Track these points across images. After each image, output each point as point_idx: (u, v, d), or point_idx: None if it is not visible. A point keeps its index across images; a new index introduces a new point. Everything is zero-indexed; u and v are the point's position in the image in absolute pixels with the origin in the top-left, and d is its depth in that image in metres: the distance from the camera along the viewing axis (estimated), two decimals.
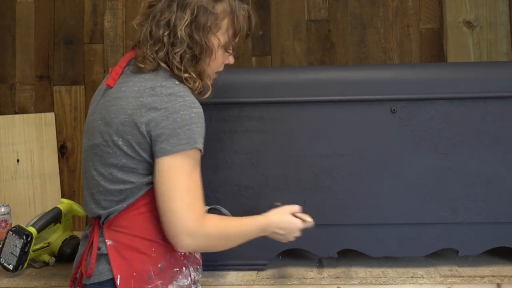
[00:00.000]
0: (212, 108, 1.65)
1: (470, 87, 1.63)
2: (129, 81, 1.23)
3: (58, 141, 2.33)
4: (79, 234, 1.88)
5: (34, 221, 1.70)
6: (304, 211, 1.65)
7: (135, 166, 1.20)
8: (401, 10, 2.30)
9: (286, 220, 1.34)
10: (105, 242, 1.21)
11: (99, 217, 1.25)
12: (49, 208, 1.77)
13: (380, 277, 1.59)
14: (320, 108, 1.64)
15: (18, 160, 2.24)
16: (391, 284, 1.59)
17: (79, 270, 1.27)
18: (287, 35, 2.32)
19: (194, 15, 1.21)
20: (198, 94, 1.26)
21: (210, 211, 1.43)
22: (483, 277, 1.58)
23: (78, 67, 2.34)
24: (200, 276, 1.32)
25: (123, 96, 1.20)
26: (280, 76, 1.68)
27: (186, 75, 1.23)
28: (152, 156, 1.19)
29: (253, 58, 2.33)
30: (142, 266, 1.19)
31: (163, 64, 1.22)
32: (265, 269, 1.67)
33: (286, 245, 1.67)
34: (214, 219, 1.25)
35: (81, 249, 1.30)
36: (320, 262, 1.74)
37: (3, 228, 1.93)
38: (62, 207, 1.77)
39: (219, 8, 1.25)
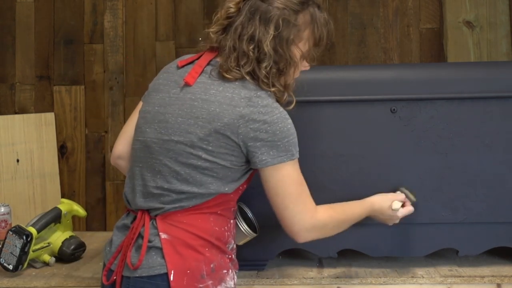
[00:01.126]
0: None
1: (470, 87, 1.63)
2: (216, 84, 1.22)
3: (58, 141, 2.33)
4: (79, 234, 1.89)
5: (34, 221, 1.70)
6: None
7: (217, 171, 1.21)
8: (401, 10, 2.30)
9: (385, 208, 1.44)
10: (158, 235, 1.19)
11: (151, 209, 1.23)
12: (49, 208, 1.78)
13: (380, 277, 1.59)
14: (320, 108, 1.64)
15: (18, 160, 2.24)
16: (391, 284, 1.59)
17: (117, 261, 1.24)
18: None
19: (279, 30, 1.22)
20: (285, 106, 1.28)
21: (238, 208, 1.44)
22: (483, 277, 1.58)
23: (78, 67, 2.34)
24: (237, 279, 1.33)
25: (214, 101, 1.20)
26: None
27: (274, 89, 1.24)
28: (240, 165, 1.24)
29: None
30: (197, 265, 1.19)
31: (247, 77, 1.23)
32: (265, 269, 1.67)
33: (286, 245, 1.67)
34: (326, 210, 1.31)
35: (117, 239, 1.27)
36: (320, 262, 1.74)
37: (3, 228, 1.93)
38: (62, 207, 1.77)
39: (301, 19, 1.25)
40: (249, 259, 1.66)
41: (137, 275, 1.18)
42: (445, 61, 2.26)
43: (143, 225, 1.22)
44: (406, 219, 1.64)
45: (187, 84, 1.24)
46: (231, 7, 1.26)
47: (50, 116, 2.32)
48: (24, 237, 1.62)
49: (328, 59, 2.30)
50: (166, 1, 2.34)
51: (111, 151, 2.20)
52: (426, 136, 1.63)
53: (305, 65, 1.35)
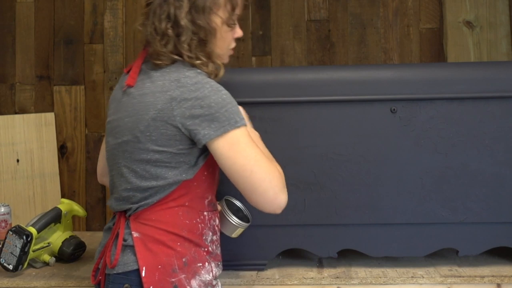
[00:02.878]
0: None
1: (470, 87, 1.63)
2: (151, 76, 1.24)
3: (58, 141, 2.33)
4: (79, 234, 1.89)
5: (34, 221, 1.70)
6: (304, 211, 1.66)
7: (169, 160, 1.22)
8: (401, 10, 2.30)
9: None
10: (131, 234, 1.23)
11: (125, 210, 1.27)
12: (49, 208, 1.77)
13: (380, 277, 1.59)
14: (320, 108, 1.64)
15: (18, 160, 2.24)
16: (391, 284, 1.59)
17: (101, 261, 1.30)
18: (287, 35, 2.32)
19: (192, 0, 1.23)
20: (214, 78, 1.28)
21: (225, 201, 1.45)
22: (483, 277, 1.58)
23: (78, 67, 2.35)
24: (220, 272, 1.33)
25: (149, 92, 1.22)
26: (280, 76, 1.68)
27: (198, 61, 1.25)
28: (188, 148, 1.22)
29: (253, 58, 2.33)
30: (167, 260, 1.21)
31: (175, 56, 1.24)
32: (265, 269, 1.67)
33: (286, 245, 1.68)
34: (273, 161, 1.27)
35: (103, 240, 1.33)
36: (320, 262, 1.74)
37: (3, 228, 1.93)
38: (62, 207, 1.77)
39: None
40: (249, 259, 1.67)
41: (115, 272, 1.23)
42: (445, 61, 2.26)
43: (120, 226, 1.27)
44: (406, 219, 1.64)
45: (129, 86, 1.27)
46: None
47: (50, 116, 2.32)
48: (24, 237, 1.62)
49: (328, 59, 2.31)
50: None
51: None
52: (426, 136, 1.63)
53: (237, 32, 1.35)
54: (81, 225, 2.33)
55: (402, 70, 1.71)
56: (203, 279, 1.25)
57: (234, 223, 1.43)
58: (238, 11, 1.31)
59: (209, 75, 1.26)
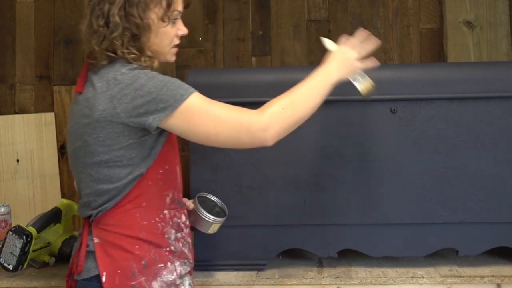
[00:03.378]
0: None
1: (470, 87, 1.63)
2: (92, 80, 1.24)
3: (58, 141, 2.33)
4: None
5: (34, 221, 1.70)
6: (304, 211, 1.66)
7: (119, 158, 1.21)
8: (401, 10, 2.30)
9: (332, 55, 1.36)
10: (92, 240, 1.24)
11: (89, 216, 1.28)
12: (49, 208, 1.77)
13: (380, 277, 1.59)
14: (320, 108, 1.64)
15: (18, 160, 2.24)
16: (391, 284, 1.59)
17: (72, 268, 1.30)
18: (287, 35, 2.32)
19: None
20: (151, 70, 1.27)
21: (198, 198, 1.46)
22: (483, 277, 1.58)
23: (78, 67, 2.34)
24: (189, 269, 1.31)
25: (91, 96, 1.22)
26: (280, 76, 1.68)
27: (132, 55, 1.24)
28: (140, 140, 1.21)
29: (253, 58, 2.33)
30: (126, 264, 1.21)
31: (109, 53, 1.24)
32: (265, 269, 1.67)
33: (286, 245, 1.68)
34: (267, 104, 1.25)
35: (75, 247, 1.33)
36: (320, 262, 1.74)
37: (3, 228, 1.93)
38: (62, 207, 1.77)
39: None
40: (249, 259, 1.67)
41: (80, 278, 1.24)
42: (445, 61, 2.26)
43: (84, 232, 1.28)
44: (406, 219, 1.64)
45: (78, 93, 1.28)
46: None
47: (50, 116, 2.32)
48: (24, 237, 1.62)
49: None
50: None
51: None
52: (426, 136, 1.63)
53: (180, 29, 1.33)
54: (81, 225, 2.33)
55: (402, 70, 1.71)
56: (165, 279, 1.25)
57: (207, 219, 1.43)
58: (178, 7, 1.30)
59: (144, 68, 1.25)
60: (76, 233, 1.86)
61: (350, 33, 1.48)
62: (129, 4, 1.23)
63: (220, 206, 1.51)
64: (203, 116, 1.19)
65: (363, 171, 1.64)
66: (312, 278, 1.60)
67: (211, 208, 1.46)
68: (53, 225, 1.74)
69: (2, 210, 1.95)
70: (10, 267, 1.62)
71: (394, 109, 1.64)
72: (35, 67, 2.35)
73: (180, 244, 1.30)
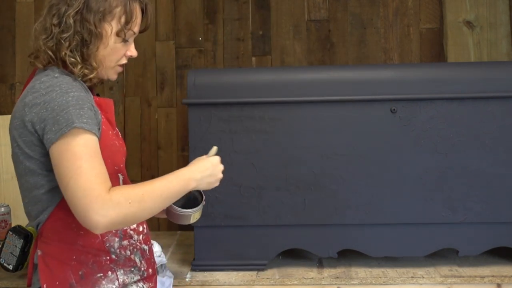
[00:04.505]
0: (212, 108, 1.65)
1: (470, 87, 1.63)
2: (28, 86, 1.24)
3: None
4: None
5: None
6: (304, 211, 1.66)
7: (38, 166, 1.19)
8: (401, 10, 2.30)
9: (204, 163, 1.27)
10: (37, 253, 1.24)
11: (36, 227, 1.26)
12: None
13: (380, 277, 1.59)
14: (320, 108, 1.64)
15: None
16: (391, 284, 1.59)
17: None
18: (287, 35, 2.32)
19: (85, 2, 1.22)
20: (89, 82, 1.25)
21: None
22: (483, 277, 1.58)
23: None
24: (138, 278, 1.27)
25: (16, 103, 1.22)
26: (280, 76, 1.68)
27: (72, 59, 1.21)
28: (47, 153, 1.17)
29: (253, 58, 2.33)
30: (63, 275, 1.20)
31: (51, 53, 1.22)
32: (265, 269, 1.67)
33: (286, 245, 1.68)
34: (121, 188, 1.15)
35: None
36: (320, 262, 1.74)
37: (3, 228, 1.92)
38: None
39: None
40: (249, 259, 1.67)
41: None
42: (445, 61, 2.26)
43: (34, 245, 1.27)
44: (406, 219, 1.64)
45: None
46: None
47: None
48: (24, 237, 1.61)
49: (328, 59, 2.31)
50: (166, 1, 2.34)
51: None
52: (426, 136, 1.63)
53: (131, 51, 1.31)
54: None
55: (402, 70, 1.71)
56: None
57: (181, 213, 1.31)
58: (134, 28, 1.28)
59: (77, 77, 1.22)
60: None
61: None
62: (87, 10, 1.22)
63: (194, 193, 1.37)
64: (72, 159, 1.11)
65: (363, 171, 1.64)
66: (312, 278, 1.60)
67: (186, 198, 1.32)
68: None
69: (2, 210, 1.95)
70: (10, 267, 1.61)
71: (394, 109, 1.64)
72: None
73: (128, 252, 1.26)
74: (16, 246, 1.61)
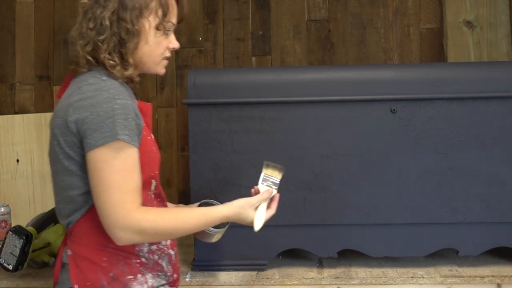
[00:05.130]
0: (212, 108, 1.65)
1: (470, 87, 1.63)
2: (68, 88, 1.24)
3: None
4: None
5: (34, 221, 1.70)
6: (304, 211, 1.66)
7: (77, 168, 1.19)
8: (401, 10, 2.30)
9: (244, 218, 1.33)
10: (66, 252, 1.23)
11: (66, 226, 1.27)
12: (49, 208, 1.77)
13: (380, 277, 1.59)
14: (320, 108, 1.64)
15: (18, 160, 2.24)
16: (391, 284, 1.59)
17: None
18: (287, 35, 2.32)
19: (121, 1, 1.22)
20: (131, 83, 1.26)
21: (201, 205, 1.42)
22: (483, 277, 1.58)
23: None
24: (164, 282, 1.28)
25: (59, 102, 1.22)
26: (280, 76, 1.68)
27: (112, 62, 1.21)
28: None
29: (253, 58, 2.33)
30: (94, 276, 1.20)
31: (90, 58, 1.21)
32: (265, 269, 1.67)
33: (286, 245, 1.68)
34: (151, 213, 1.19)
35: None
36: (320, 262, 1.74)
37: (3, 228, 1.92)
38: None
39: None
40: (249, 259, 1.67)
41: None
42: (445, 61, 2.26)
43: (62, 243, 1.27)
44: (406, 219, 1.64)
45: (59, 99, 1.27)
46: (83, 1, 1.26)
47: (50, 116, 2.30)
48: (24, 237, 1.61)
49: (328, 59, 2.31)
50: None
51: None
52: (426, 136, 1.63)
53: (172, 43, 1.31)
54: None
55: (402, 70, 1.71)
56: None
57: (208, 232, 1.37)
58: (173, 19, 1.28)
59: (118, 78, 1.22)
60: None
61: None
62: (123, 9, 1.21)
63: None
64: (108, 171, 1.13)
65: (363, 171, 1.64)
66: (312, 278, 1.60)
67: None
68: (53, 225, 1.74)
69: (2, 210, 1.95)
70: (10, 267, 1.62)
71: (394, 109, 1.64)
72: (35, 67, 2.35)
73: (156, 256, 1.27)
74: (16, 246, 1.62)
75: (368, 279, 1.59)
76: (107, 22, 1.21)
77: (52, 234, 1.75)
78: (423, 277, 1.59)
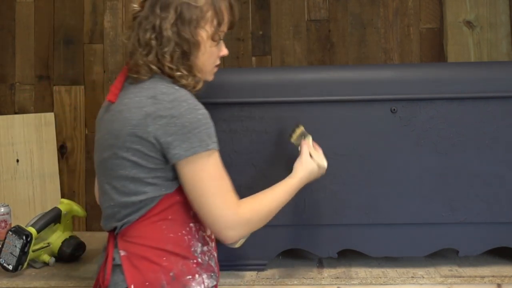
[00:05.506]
0: (212, 108, 1.65)
1: (470, 87, 1.63)
2: (129, 93, 1.24)
3: (57, 141, 2.33)
4: (78, 234, 1.89)
5: (33, 221, 1.70)
6: (304, 211, 1.66)
7: (146, 175, 1.21)
8: (401, 10, 2.30)
9: (312, 168, 1.43)
10: (119, 253, 1.23)
11: (113, 229, 1.27)
12: (49, 208, 1.77)
13: (380, 277, 1.59)
14: (320, 108, 1.64)
15: (18, 160, 2.24)
16: (391, 284, 1.59)
17: (99, 282, 1.29)
18: (287, 35, 2.32)
19: (179, 13, 1.23)
20: (194, 91, 1.27)
21: None
22: (483, 277, 1.58)
23: (78, 67, 2.35)
24: (215, 283, 1.30)
25: (125, 109, 1.21)
26: (280, 76, 1.68)
27: (178, 73, 1.23)
28: (164, 164, 1.20)
29: (253, 58, 2.33)
30: (154, 276, 1.20)
31: (154, 67, 1.23)
32: (265, 269, 1.67)
33: (286, 245, 1.67)
34: (249, 203, 1.26)
35: (100, 260, 1.32)
36: (320, 262, 1.74)
37: (3, 228, 1.93)
38: (61, 207, 1.77)
39: (201, 1, 1.26)
40: (249, 259, 1.66)
41: None
42: (445, 61, 2.26)
43: (109, 245, 1.27)
44: (406, 219, 1.64)
45: (110, 102, 1.27)
46: (135, 7, 1.28)
47: (50, 116, 2.32)
48: (24, 237, 1.62)
49: (328, 59, 2.31)
50: None
51: None
52: (426, 136, 1.63)
53: (223, 51, 1.34)
54: (81, 225, 2.33)
55: (402, 70, 1.71)
56: None
57: None
58: (224, 28, 1.30)
59: (186, 87, 1.25)
60: (75, 233, 1.86)
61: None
62: (181, 21, 1.23)
63: None
64: (209, 177, 1.19)
65: (363, 171, 1.64)
66: (312, 278, 1.60)
67: None
68: (53, 225, 1.74)
69: (2, 210, 1.95)
70: (10, 267, 1.62)
71: (394, 109, 1.64)
72: (35, 67, 2.35)
73: (206, 258, 1.29)
74: (16, 246, 1.62)
75: (368, 279, 1.59)
76: (169, 34, 1.22)
77: (52, 234, 1.75)
78: (423, 277, 1.59)
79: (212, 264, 1.31)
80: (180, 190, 1.24)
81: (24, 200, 2.23)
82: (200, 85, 1.29)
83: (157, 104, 1.18)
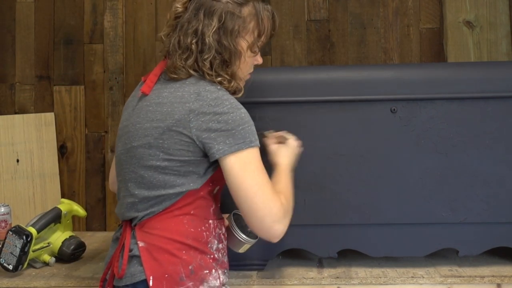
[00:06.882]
0: None
1: (470, 87, 1.63)
2: (169, 87, 1.26)
3: (58, 141, 2.33)
4: (79, 234, 1.89)
5: (34, 221, 1.70)
6: (304, 211, 1.66)
7: (178, 168, 1.22)
8: (401, 10, 2.30)
9: (287, 152, 1.43)
10: (137, 244, 1.23)
11: (131, 219, 1.27)
12: (49, 208, 1.77)
13: (380, 277, 1.59)
14: (320, 108, 1.64)
15: (18, 160, 2.24)
16: (391, 284, 1.59)
17: (109, 271, 1.29)
18: (287, 35, 2.32)
19: (222, 21, 1.25)
20: (232, 93, 1.30)
21: (233, 216, 1.42)
22: (483, 277, 1.58)
23: (78, 67, 2.35)
24: (227, 280, 1.32)
25: (167, 102, 1.23)
26: (280, 76, 1.68)
27: (220, 78, 1.26)
28: (199, 159, 1.22)
29: None
30: (174, 268, 1.21)
31: (193, 72, 1.25)
32: (265, 269, 1.67)
33: (286, 245, 1.67)
34: (283, 193, 1.26)
35: (111, 251, 1.32)
36: (320, 262, 1.74)
37: (3, 228, 1.93)
38: (62, 207, 1.77)
39: (245, 11, 1.28)
40: (249, 259, 1.66)
41: (123, 284, 1.23)
42: (445, 61, 2.26)
43: (126, 236, 1.27)
44: (406, 219, 1.64)
45: (144, 94, 1.28)
46: (178, 7, 1.29)
47: (50, 116, 2.32)
48: (24, 237, 1.62)
49: (328, 59, 2.31)
50: (166, 1, 2.34)
51: (111, 151, 2.21)
52: (426, 136, 1.63)
53: (257, 59, 1.36)
54: (81, 225, 2.33)
55: (402, 70, 1.71)
56: (211, 285, 1.25)
57: (241, 239, 1.41)
58: (264, 39, 1.33)
59: (228, 91, 1.27)
60: (76, 233, 1.86)
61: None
62: (224, 30, 1.25)
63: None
64: (256, 172, 1.21)
65: (363, 171, 1.64)
66: (312, 278, 1.60)
67: (243, 226, 1.42)
68: (53, 225, 1.74)
69: (2, 210, 1.95)
70: (10, 267, 1.62)
71: (394, 109, 1.64)
72: (35, 67, 2.35)
73: (220, 255, 1.31)
74: (16, 246, 1.62)
75: (368, 279, 1.59)
76: (210, 41, 1.24)
77: (52, 234, 1.75)
78: (423, 277, 1.59)
79: (225, 260, 1.33)
80: (205, 186, 1.26)
81: (24, 200, 2.23)
82: (239, 94, 1.31)
83: (200, 101, 1.20)
